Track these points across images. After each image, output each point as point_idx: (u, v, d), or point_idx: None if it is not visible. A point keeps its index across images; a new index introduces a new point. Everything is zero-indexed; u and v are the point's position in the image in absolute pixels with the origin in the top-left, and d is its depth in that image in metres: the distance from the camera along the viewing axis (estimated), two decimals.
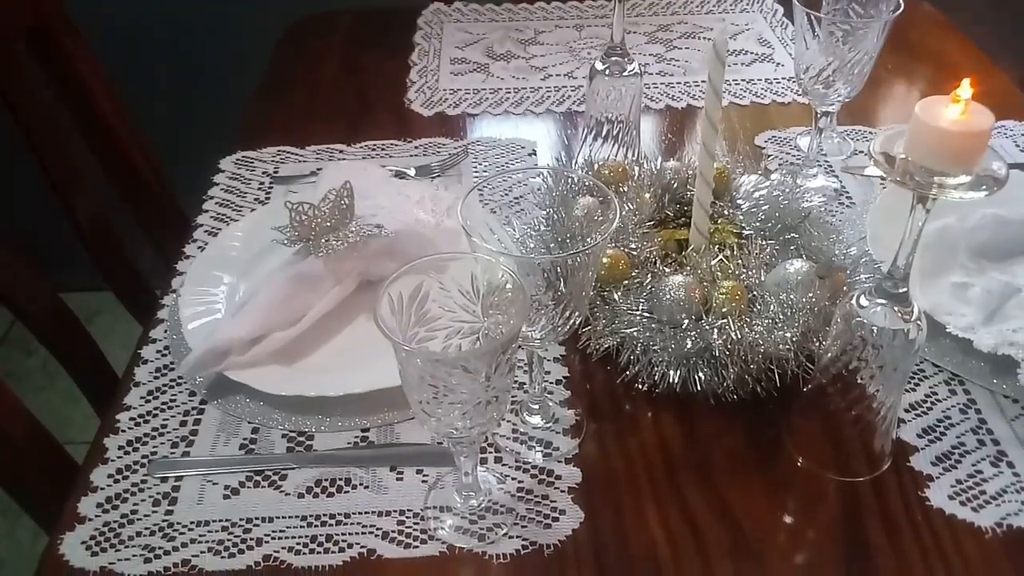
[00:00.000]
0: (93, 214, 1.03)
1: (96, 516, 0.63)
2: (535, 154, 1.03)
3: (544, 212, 0.75)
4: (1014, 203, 0.80)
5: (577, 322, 0.61)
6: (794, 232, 0.79)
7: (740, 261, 0.75)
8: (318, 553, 0.61)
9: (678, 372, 0.70)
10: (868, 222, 0.84)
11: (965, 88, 0.49)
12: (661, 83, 1.16)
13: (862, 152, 1.00)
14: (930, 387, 0.72)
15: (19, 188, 1.47)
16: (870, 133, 1.03)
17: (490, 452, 0.68)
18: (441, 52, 1.25)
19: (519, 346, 0.62)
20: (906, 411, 0.70)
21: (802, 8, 0.85)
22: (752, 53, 1.21)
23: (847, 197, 0.93)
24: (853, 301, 0.60)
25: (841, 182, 0.95)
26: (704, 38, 1.26)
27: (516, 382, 0.71)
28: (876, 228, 0.82)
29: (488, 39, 1.28)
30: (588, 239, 0.77)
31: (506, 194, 0.71)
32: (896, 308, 0.58)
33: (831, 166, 0.97)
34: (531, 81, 1.17)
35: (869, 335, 0.59)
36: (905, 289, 0.57)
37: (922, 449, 0.67)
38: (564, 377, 0.74)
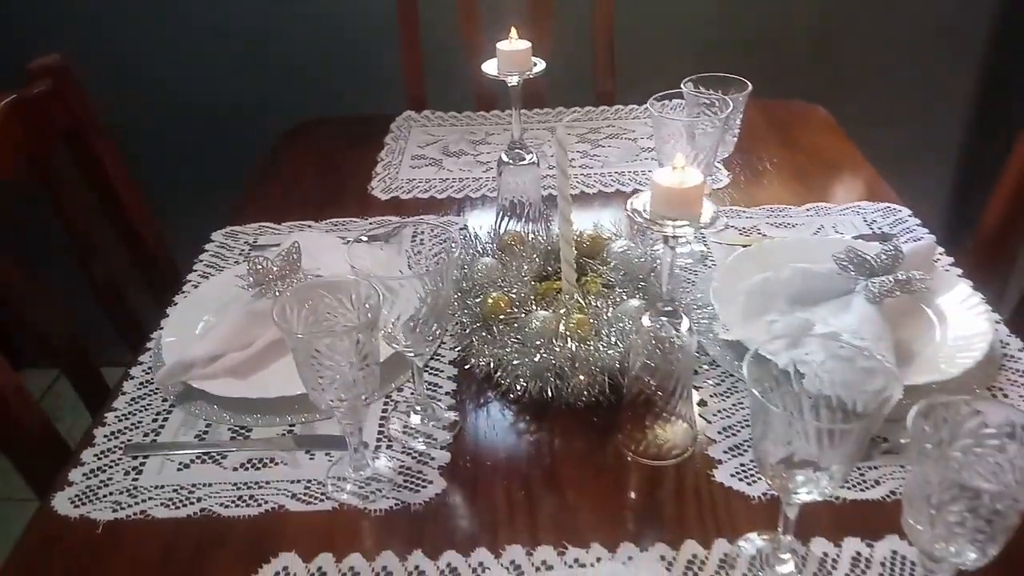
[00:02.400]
0: (106, 278, 1.27)
1: (80, 481, 0.84)
2: (466, 227, 1.25)
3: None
4: (823, 261, 1.01)
5: (438, 333, 0.82)
6: (644, 282, 1.00)
7: (594, 301, 0.96)
8: (241, 507, 0.80)
9: (535, 384, 0.90)
10: (716, 277, 1.04)
11: (680, 160, 0.70)
12: (581, 174, 1.39)
13: (732, 227, 1.21)
14: (739, 399, 0.90)
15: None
16: (743, 211, 1.25)
17: (383, 441, 0.87)
18: (405, 150, 1.50)
19: (395, 350, 0.83)
20: (714, 415, 0.88)
21: (658, 114, 1.08)
22: None
23: (711, 260, 1.14)
24: (643, 320, 0.80)
25: (708, 248, 1.16)
26: (626, 138, 1.50)
27: (404, 387, 0.92)
28: (720, 282, 1.03)
29: (446, 140, 1.53)
30: (482, 292, 0.99)
31: (435, 257, 0.93)
32: (671, 322, 0.78)
33: (703, 236, 1.19)
34: (474, 173, 1.41)
35: (654, 344, 0.79)
36: (671, 308, 0.78)
37: (719, 442, 0.85)
38: (453, 390, 0.94)
